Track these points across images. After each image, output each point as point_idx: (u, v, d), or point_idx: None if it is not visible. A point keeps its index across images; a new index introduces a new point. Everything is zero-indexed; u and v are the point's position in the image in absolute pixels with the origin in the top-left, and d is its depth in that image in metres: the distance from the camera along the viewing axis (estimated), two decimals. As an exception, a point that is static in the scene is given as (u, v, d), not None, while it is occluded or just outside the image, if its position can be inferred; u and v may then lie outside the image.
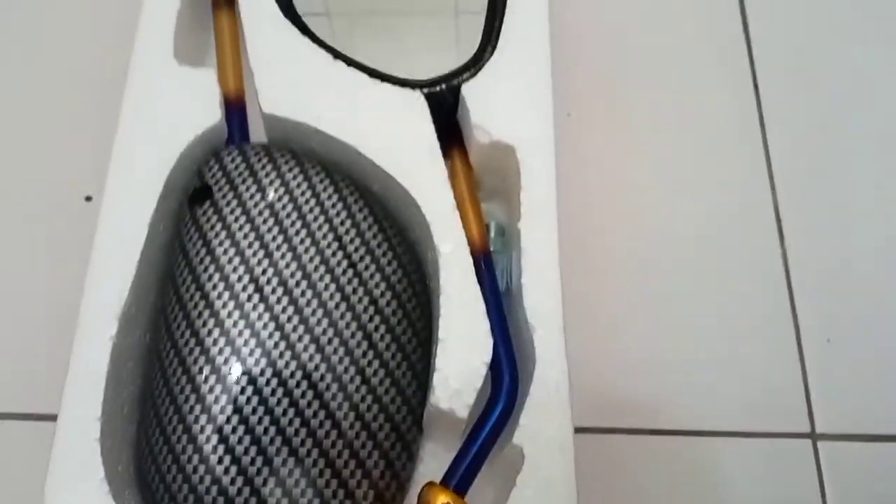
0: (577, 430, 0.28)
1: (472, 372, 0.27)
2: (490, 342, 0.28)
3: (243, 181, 0.30)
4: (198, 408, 0.27)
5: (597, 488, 0.31)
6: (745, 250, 0.41)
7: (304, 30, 0.32)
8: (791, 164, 0.43)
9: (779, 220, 0.42)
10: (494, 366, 0.28)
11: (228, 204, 0.29)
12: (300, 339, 0.28)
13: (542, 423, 0.26)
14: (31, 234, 0.40)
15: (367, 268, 0.30)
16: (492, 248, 0.31)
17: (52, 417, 0.28)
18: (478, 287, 0.29)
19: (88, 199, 0.42)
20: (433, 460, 0.29)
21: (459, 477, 0.27)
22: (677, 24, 0.46)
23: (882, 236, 0.42)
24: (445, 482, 0.27)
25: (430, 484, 0.27)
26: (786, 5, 0.47)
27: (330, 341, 0.28)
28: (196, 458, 0.26)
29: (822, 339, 0.39)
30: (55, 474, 0.25)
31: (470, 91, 0.32)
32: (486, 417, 0.28)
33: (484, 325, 0.28)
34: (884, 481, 0.38)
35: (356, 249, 0.30)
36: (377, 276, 0.30)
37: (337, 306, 0.29)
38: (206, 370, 0.27)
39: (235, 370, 0.27)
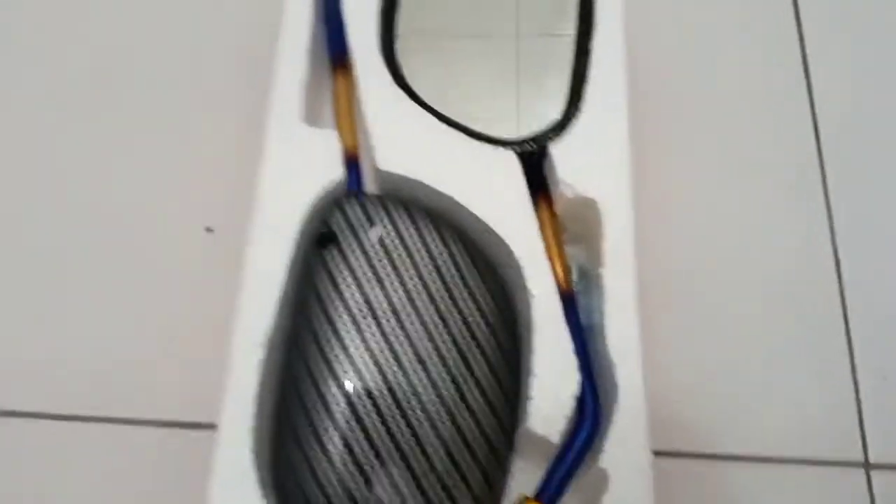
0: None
1: (563, 402, 0.31)
2: (578, 377, 0.32)
3: (361, 226, 0.35)
4: (326, 419, 0.32)
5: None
6: (804, 291, 0.44)
7: (412, 95, 0.37)
8: (850, 211, 0.46)
9: (837, 263, 0.45)
10: (581, 395, 0.32)
11: (350, 246, 0.34)
12: (408, 360, 0.32)
13: (624, 450, 0.30)
14: (158, 261, 0.46)
15: (464, 301, 0.34)
16: (575, 290, 0.35)
17: (197, 426, 0.33)
18: (566, 327, 0.33)
19: (209, 230, 0.48)
20: (523, 476, 0.33)
21: (550, 494, 0.31)
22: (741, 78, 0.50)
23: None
24: (538, 497, 0.31)
25: (526, 497, 0.31)
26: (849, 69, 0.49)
27: (433, 362, 0.32)
28: (324, 461, 0.31)
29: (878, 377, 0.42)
30: (218, 478, 0.30)
31: (556, 149, 0.36)
32: (574, 441, 0.32)
33: (572, 360, 0.32)
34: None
35: (455, 285, 0.34)
36: (474, 309, 0.34)
37: (439, 333, 0.33)
38: (332, 386, 0.32)
39: (356, 385, 0.32)
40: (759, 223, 0.47)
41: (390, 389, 0.32)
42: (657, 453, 0.38)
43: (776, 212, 0.47)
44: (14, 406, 0.43)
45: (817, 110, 0.49)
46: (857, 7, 0.53)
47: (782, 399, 0.43)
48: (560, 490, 0.31)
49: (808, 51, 0.51)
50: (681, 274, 0.44)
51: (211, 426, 0.32)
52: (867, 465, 0.42)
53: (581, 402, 0.32)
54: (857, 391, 0.42)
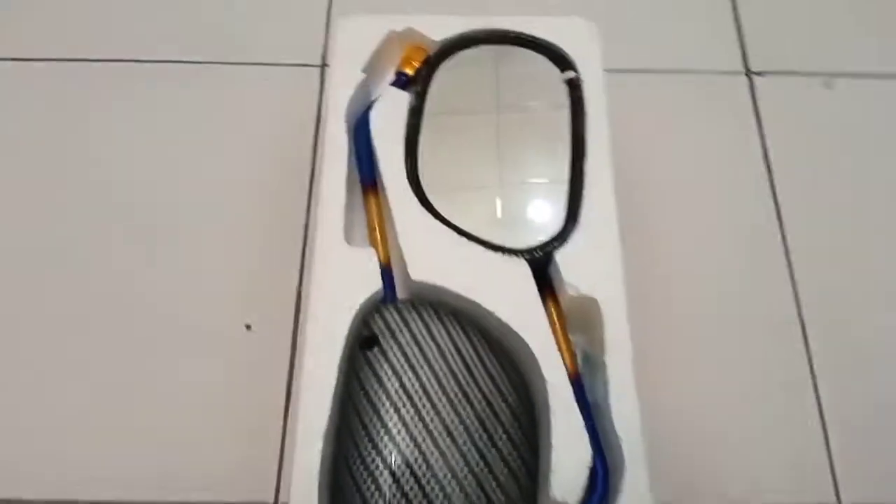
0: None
1: (579, 473, 0.37)
2: (590, 451, 0.38)
3: (399, 329, 0.41)
4: (373, 489, 0.37)
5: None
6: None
7: (436, 215, 0.44)
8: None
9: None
10: (593, 467, 0.38)
11: (389, 346, 0.41)
12: (440, 436, 0.38)
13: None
14: (200, 356, 0.52)
15: (488, 387, 0.40)
16: (581, 373, 0.42)
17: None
18: (577, 408, 0.39)
19: (248, 327, 0.54)
20: None
21: (571, 554, 0.37)
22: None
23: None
24: (561, 558, 0.37)
25: (550, 559, 0.37)
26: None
27: (462, 439, 0.38)
28: None
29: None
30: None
31: (560, 256, 0.43)
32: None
33: (585, 437, 0.38)
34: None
35: (480, 374, 0.40)
36: (496, 394, 0.40)
37: (467, 414, 0.39)
38: (377, 460, 0.38)
39: (396, 458, 0.38)
40: (729, 293, 0.55)
41: (426, 461, 0.38)
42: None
43: (744, 282, 0.55)
44: (74, 496, 0.49)
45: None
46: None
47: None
48: (580, 551, 0.37)
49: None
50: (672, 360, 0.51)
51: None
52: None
53: (593, 472, 0.38)
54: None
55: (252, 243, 0.56)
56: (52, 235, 0.57)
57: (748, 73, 0.64)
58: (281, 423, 0.50)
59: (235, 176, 0.59)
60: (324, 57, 0.64)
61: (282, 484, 0.49)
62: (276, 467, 0.49)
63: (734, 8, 0.67)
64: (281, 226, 0.57)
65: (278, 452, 0.50)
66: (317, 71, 0.64)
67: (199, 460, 0.50)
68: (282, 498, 0.48)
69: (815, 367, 0.53)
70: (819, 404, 0.52)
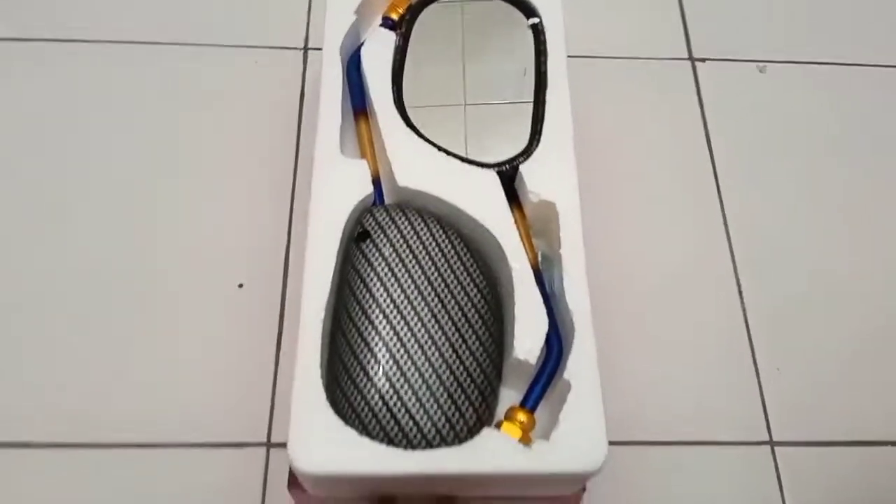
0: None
1: (538, 338, 0.45)
2: (547, 322, 0.46)
3: (388, 226, 0.48)
4: (366, 352, 0.44)
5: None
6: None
7: (418, 133, 0.51)
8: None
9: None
10: (547, 338, 0.46)
11: (381, 240, 0.48)
12: (423, 310, 0.45)
13: (579, 366, 0.44)
14: (194, 315, 0.58)
15: (464, 276, 0.48)
16: (541, 267, 0.49)
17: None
18: (537, 290, 0.47)
19: (240, 285, 0.60)
20: (505, 402, 0.46)
21: (531, 401, 0.45)
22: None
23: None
24: (522, 405, 0.45)
25: (513, 406, 0.45)
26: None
27: (441, 313, 0.46)
28: (366, 380, 0.43)
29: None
30: (297, 398, 0.42)
31: (524, 168, 0.50)
32: (545, 367, 0.45)
33: (543, 310, 0.46)
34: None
35: (457, 265, 0.48)
36: (469, 280, 0.48)
37: (445, 294, 0.46)
38: (369, 328, 0.45)
39: (386, 327, 0.45)
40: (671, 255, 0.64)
41: (411, 330, 0.45)
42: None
43: (686, 244, 0.64)
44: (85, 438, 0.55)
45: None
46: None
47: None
48: (539, 397, 0.45)
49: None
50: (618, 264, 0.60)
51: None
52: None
53: (549, 339, 0.46)
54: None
55: (243, 209, 0.63)
56: (60, 204, 0.62)
57: (692, 59, 0.72)
58: (272, 369, 0.57)
59: (228, 149, 0.65)
60: (306, 40, 0.71)
61: (274, 423, 0.55)
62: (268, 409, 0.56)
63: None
64: (269, 192, 0.63)
65: (270, 396, 0.56)
66: (300, 53, 0.70)
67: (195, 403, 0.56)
68: (274, 437, 0.55)
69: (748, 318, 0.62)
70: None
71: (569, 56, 0.54)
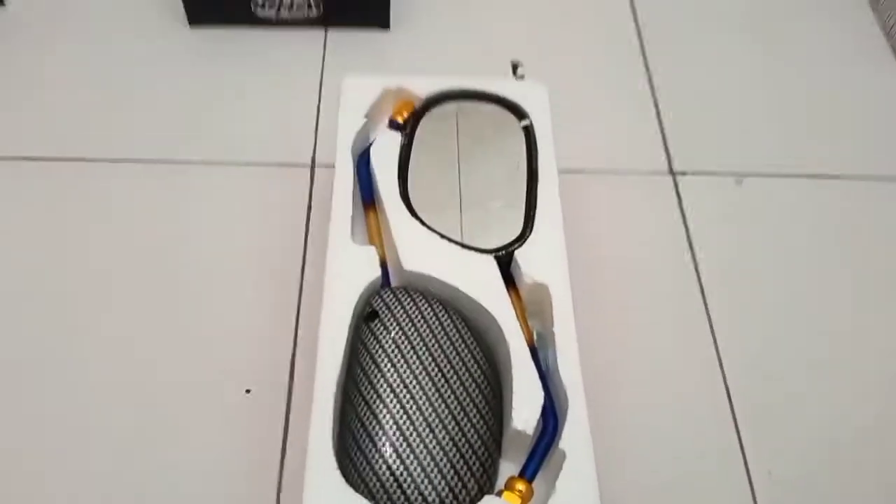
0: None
1: (534, 409, 0.48)
2: (542, 395, 0.49)
3: (395, 306, 0.52)
4: (375, 424, 0.47)
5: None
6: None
7: (422, 222, 0.56)
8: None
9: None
10: (543, 411, 0.49)
11: (388, 319, 0.52)
12: (428, 385, 0.49)
13: (573, 438, 0.47)
14: (202, 423, 0.61)
15: (466, 353, 0.51)
16: (536, 345, 0.53)
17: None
18: (533, 366, 0.50)
19: (248, 391, 0.63)
20: (504, 475, 0.49)
21: (530, 472, 0.47)
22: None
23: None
24: (521, 475, 0.47)
25: (512, 476, 0.47)
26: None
27: (445, 388, 0.49)
28: (375, 452, 0.46)
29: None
30: (312, 468, 0.45)
31: (519, 254, 0.55)
32: (542, 438, 0.49)
33: (538, 383, 0.49)
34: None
35: (459, 343, 0.52)
36: (471, 359, 0.51)
37: (448, 370, 0.50)
38: (378, 403, 0.48)
39: (394, 402, 0.48)
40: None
41: (418, 406, 0.48)
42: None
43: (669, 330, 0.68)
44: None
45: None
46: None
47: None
48: (537, 468, 0.47)
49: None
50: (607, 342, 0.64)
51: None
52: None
53: (545, 412, 0.49)
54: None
55: (252, 318, 0.66)
56: (74, 314, 0.66)
57: (672, 173, 0.79)
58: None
59: (240, 259, 0.69)
60: (314, 158, 0.76)
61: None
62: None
63: (658, 117, 0.83)
64: (276, 301, 0.67)
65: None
66: (307, 170, 0.75)
67: None
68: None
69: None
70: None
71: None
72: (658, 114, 0.83)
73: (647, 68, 0.87)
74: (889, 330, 0.70)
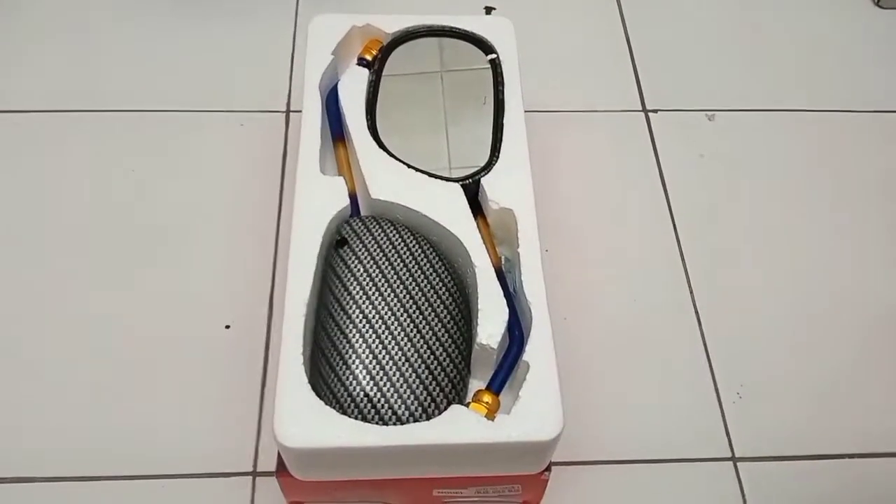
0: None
1: (499, 324, 0.50)
2: (507, 311, 0.50)
3: (363, 233, 0.54)
4: (344, 342, 0.49)
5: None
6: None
7: (389, 153, 0.57)
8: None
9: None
10: (509, 327, 0.51)
11: (356, 246, 0.53)
12: (397, 304, 0.50)
13: (537, 350, 0.49)
14: (185, 357, 0.62)
15: (433, 276, 0.53)
16: (504, 269, 0.55)
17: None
18: (498, 283, 0.52)
19: (228, 327, 0.64)
20: (473, 389, 0.51)
21: (497, 384, 0.49)
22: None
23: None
24: (488, 387, 0.49)
25: (479, 389, 0.49)
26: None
27: (413, 307, 0.50)
28: (344, 368, 0.48)
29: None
30: (283, 384, 0.46)
31: (485, 181, 0.56)
32: (508, 353, 0.50)
33: (503, 301, 0.51)
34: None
35: (427, 267, 0.53)
36: (439, 282, 0.52)
37: (416, 291, 0.51)
38: (346, 321, 0.49)
39: (362, 320, 0.49)
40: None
41: (387, 327, 0.50)
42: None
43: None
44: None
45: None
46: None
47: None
48: (504, 381, 0.49)
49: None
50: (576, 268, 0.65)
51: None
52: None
53: (511, 328, 0.51)
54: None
55: (231, 256, 0.68)
56: (56, 254, 0.67)
57: (645, 110, 0.80)
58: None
59: (218, 201, 0.71)
60: (288, 104, 0.77)
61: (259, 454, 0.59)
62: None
63: (631, 56, 0.83)
64: (253, 240, 0.68)
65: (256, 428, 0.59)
66: (282, 116, 0.76)
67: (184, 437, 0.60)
68: (260, 467, 0.58)
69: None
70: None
71: (527, 111, 0.60)
72: (630, 51, 0.83)
73: (619, 4, 0.87)
74: (862, 262, 0.71)
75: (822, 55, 0.85)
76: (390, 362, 0.49)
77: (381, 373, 0.48)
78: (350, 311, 0.50)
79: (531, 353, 0.49)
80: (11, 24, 0.82)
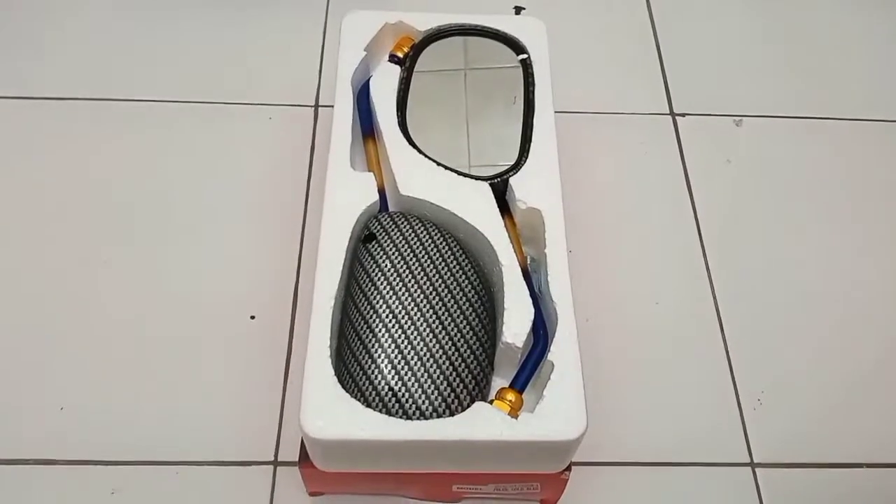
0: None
1: (524, 323, 0.50)
2: (532, 310, 0.51)
3: (391, 229, 0.54)
4: (370, 336, 0.49)
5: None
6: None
7: (419, 150, 0.58)
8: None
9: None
10: (534, 326, 0.51)
11: (385, 241, 0.54)
12: (423, 302, 0.51)
13: (562, 350, 0.49)
14: (209, 346, 0.63)
15: (460, 273, 0.53)
16: (529, 269, 0.55)
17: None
18: (524, 282, 0.52)
19: (252, 318, 0.65)
20: (496, 387, 0.51)
21: (520, 383, 0.49)
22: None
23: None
24: (512, 386, 0.49)
25: (503, 387, 0.49)
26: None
27: (439, 307, 0.51)
28: (370, 361, 0.48)
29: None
30: (311, 376, 0.47)
31: (514, 181, 0.57)
32: (532, 352, 0.50)
33: (529, 300, 0.51)
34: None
35: (453, 264, 0.53)
36: (465, 279, 0.53)
37: (443, 290, 0.52)
38: (373, 317, 0.50)
39: (388, 316, 0.50)
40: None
41: (412, 321, 0.50)
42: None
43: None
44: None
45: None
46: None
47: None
48: (527, 379, 0.49)
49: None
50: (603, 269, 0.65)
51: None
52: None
53: (535, 327, 0.51)
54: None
55: (258, 249, 0.68)
56: (90, 247, 0.68)
57: (672, 114, 0.80)
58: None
59: (246, 194, 0.71)
60: (317, 99, 0.78)
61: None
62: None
63: (660, 59, 0.83)
64: (281, 234, 0.69)
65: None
66: (311, 111, 0.77)
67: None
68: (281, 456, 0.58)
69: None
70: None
71: (557, 112, 0.60)
72: (659, 54, 0.83)
73: (650, 8, 0.87)
74: (887, 271, 0.71)
75: (852, 63, 0.85)
76: (415, 357, 0.49)
77: (406, 367, 0.49)
78: (376, 306, 0.51)
79: (556, 353, 0.49)
80: (41, 11, 0.83)
